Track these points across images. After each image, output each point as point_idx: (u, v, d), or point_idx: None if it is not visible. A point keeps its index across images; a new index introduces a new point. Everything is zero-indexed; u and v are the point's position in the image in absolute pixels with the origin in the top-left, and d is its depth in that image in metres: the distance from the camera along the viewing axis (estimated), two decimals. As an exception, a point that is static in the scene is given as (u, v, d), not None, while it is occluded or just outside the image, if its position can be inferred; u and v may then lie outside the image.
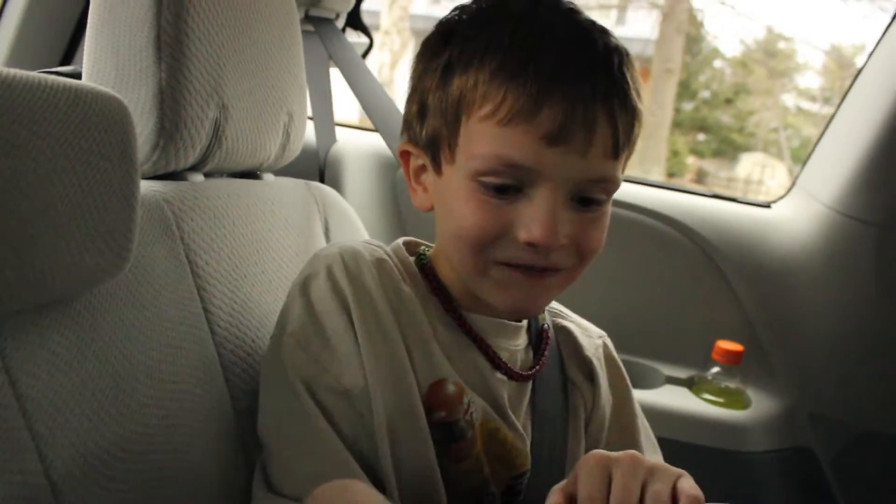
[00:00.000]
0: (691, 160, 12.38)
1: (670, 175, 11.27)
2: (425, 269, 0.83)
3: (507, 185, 0.72)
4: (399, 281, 0.80)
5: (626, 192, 1.73)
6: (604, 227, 0.77)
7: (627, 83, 0.73)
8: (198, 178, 0.91)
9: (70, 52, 1.38)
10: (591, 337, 0.95)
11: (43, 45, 1.35)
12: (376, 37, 1.88)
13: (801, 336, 1.64)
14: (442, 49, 0.76)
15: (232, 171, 1.00)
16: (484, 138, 0.71)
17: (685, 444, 1.51)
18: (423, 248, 0.87)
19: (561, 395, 0.88)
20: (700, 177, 12.07)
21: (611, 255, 1.72)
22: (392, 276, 0.80)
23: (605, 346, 0.96)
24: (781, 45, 11.84)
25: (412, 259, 0.84)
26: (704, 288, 1.70)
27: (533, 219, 0.71)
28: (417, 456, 0.75)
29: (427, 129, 0.78)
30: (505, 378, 0.83)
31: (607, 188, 0.74)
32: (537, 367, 0.86)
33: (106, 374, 0.65)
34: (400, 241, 0.87)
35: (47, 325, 0.62)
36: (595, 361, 0.91)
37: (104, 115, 0.62)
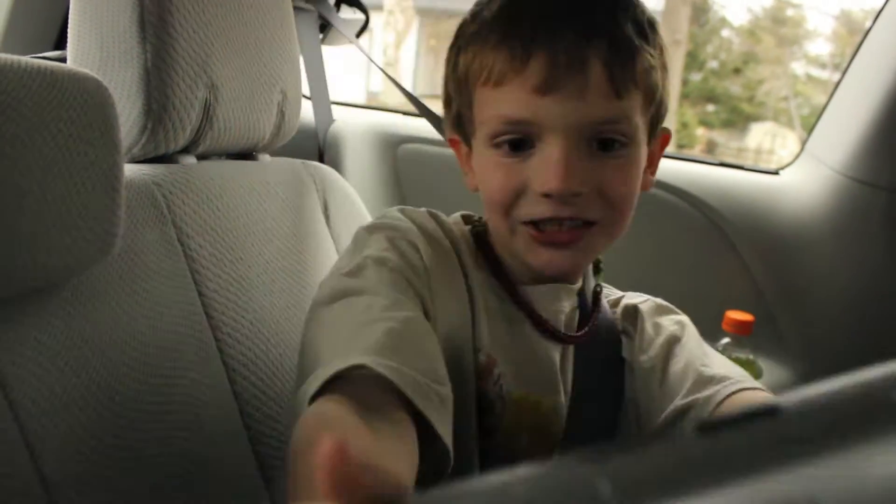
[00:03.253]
0: (701, 131, 12.31)
1: (680, 147, 11.23)
2: (479, 240, 0.84)
3: (516, 141, 0.73)
4: (463, 250, 0.82)
5: (631, 163, 1.71)
6: (629, 173, 0.76)
7: (618, 23, 0.73)
8: (190, 160, 0.90)
9: (63, 37, 1.36)
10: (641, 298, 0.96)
11: (34, 31, 1.34)
12: (380, 17, 1.85)
13: (812, 304, 1.62)
14: (454, 43, 0.81)
15: (226, 152, 0.98)
16: (486, 103, 0.75)
17: (697, 416, 1.49)
18: (476, 219, 0.88)
19: (606, 363, 0.87)
20: (710, 148, 12.01)
21: (617, 228, 1.71)
22: (458, 244, 0.82)
23: (651, 302, 0.95)
24: (790, 12, 11.73)
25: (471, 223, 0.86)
26: (713, 258, 1.67)
27: (545, 168, 0.72)
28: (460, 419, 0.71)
29: (453, 112, 0.83)
30: (557, 344, 0.83)
31: (621, 129, 0.74)
32: (585, 331, 0.85)
33: (96, 362, 0.64)
34: (457, 214, 0.88)
35: (33, 314, 0.60)
36: (643, 313, 0.91)
37: (82, 96, 0.60)
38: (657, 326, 0.91)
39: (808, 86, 11.63)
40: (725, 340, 1.59)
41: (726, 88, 12.27)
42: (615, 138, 0.74)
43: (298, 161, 1.14)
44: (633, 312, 0.92)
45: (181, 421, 0.73)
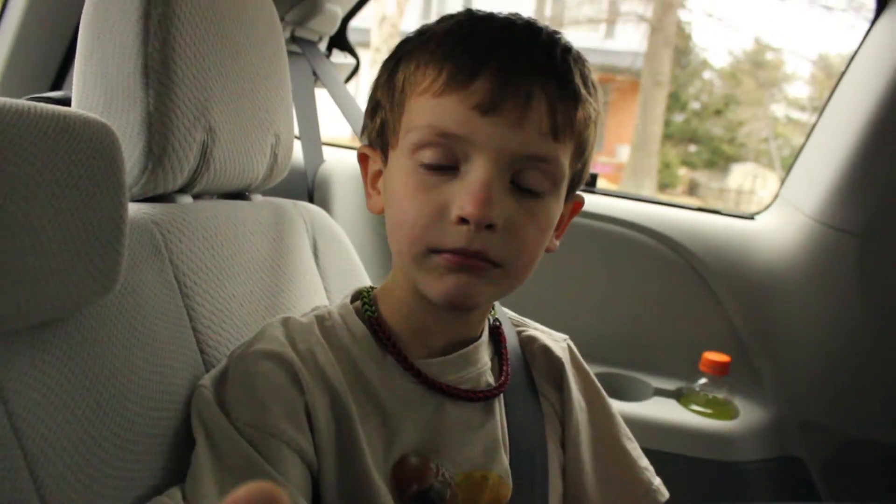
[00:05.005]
0: (683, 171, 12.46)
1: (662, 187, 11.34)
2: (373, 321, 0.82)
3: (440, 159, 0.72)
4: (349, 345, 0.80)
5: (611, 206, 1.76)
6: (543, 221, 0.76)
7: (569, 68, 0.74)
8: (186, 199, 0.93)
9: (60, 76, 1.40)
10: (556, 340, 0.95)
11: (34, 70, 1.37)
12: (366, 54, 1.91)
13: (787, 346, 1.66)
14: (393, 54, 0.80)
15: (220, 192, 1.01)
16: (421, 111, 0.73)
17: (675, 455, 1.52)
18: (365, 294, 0.86)
19: (534, 403, 0.88)
20: (692, 188, 12.14)
21: (598, 269, 1.76)
22: (342, 342, 0.80)
23: (569, 348, 0.95)
24: (769, 55, 11.95)
25: (361, 309, 0.84)
26: (691, 300, 1.72)
27: (466, 191, 0.70)
28: None
29: (377, 122, 0.81)
30: (485, 404, 0.83)
31: (548, 171, 0.74)
32: (503, 379, 0.85)
33: (96, 393, 0.67)
34: (347, 297, 0.87)
35: (38, 346, 0.63)
36: (564, 363, 0.92)
37: (92, 141, 0.64)
38: (577, 382, 0.92)
39: (789, 127, 11.81)
40: (703, 381, 1.62)
41: (708, 129, 12.44)
42: (538, 184, 0.74)
43: (289, 201, 1.17)
44: (558, 366, 0.91)
45: (175, 452, 0.75)
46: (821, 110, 1.70)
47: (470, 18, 0.76)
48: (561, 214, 0.81)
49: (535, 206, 0.74)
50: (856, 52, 1.61)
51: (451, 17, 0.78)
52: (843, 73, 1.64)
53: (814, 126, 1.71)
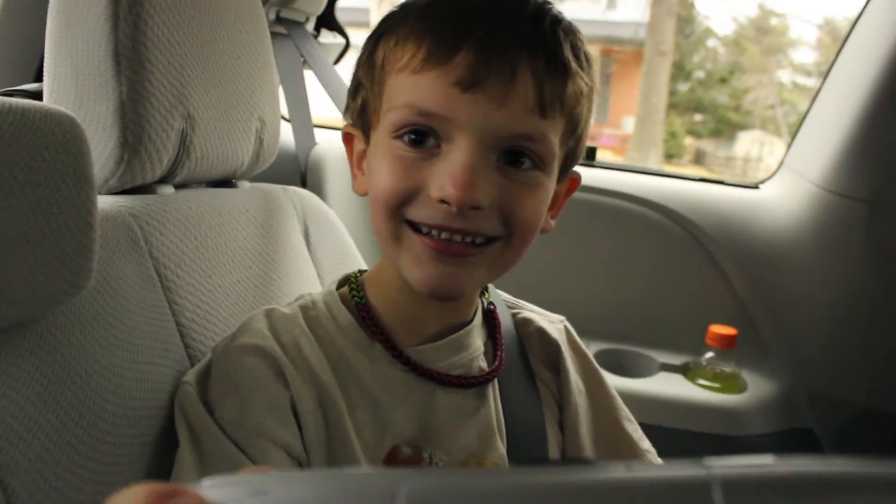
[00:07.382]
0: (689, 141, 12.40)
1: (668, 157, 11.28)
2: (360, 307, 0.79)
3: (422, 135, 0.68)
4: (335, 335, 0.77)
5: (612, 179, 1.73)
6: (537, 197, 0.72)
7: (559, 41, 0.69)
8: (168, 190, 0.90)
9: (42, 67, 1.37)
10: (552, 322, 0.92)
11: (16, 62, 1.34)
12: (366, 33, 1.90)
13: (794, 316, 1.63)
14: (375, 31, 0.76)
15: (205, 180, 0.99)
16: (399, 89, 0.70)
17: (682, 431, 1.50)
18: (353, 279, 0.82)
19: (530, 387, 0.85)
20: (698, 157, 12.08)
21: (600, 244, 1.73)
22: (327, 332, 0.77)
23: (566, 329, 0.93)
24: (774, 21, 11.84)
25: (348, 295, 0.81)
26: (696, 273, 1.69)
27: (446, 173, 0.66)
28: None
29: (358, 102, 0.77)
30: (478, 389, 0.80)
31: (536, 149, 0.69)
32: (496, 363, 0.82)
33: (72, 395, 0.64)
34: (333, 283, 0.83)
35: (8, 350, 0.60)
36: (561, 345, 0.89)
37: (55, 134, 0.61)
38: (575, 364, 0.89)
39: (795, 94, 11.73)
40: (709, 355, 1.60)
41: (713, 98, 12.36)
42: (528, 154, 0.70)
43: (278, 186, 1.14)
44: (555, 348, 0.89)
45: (159, 452, 0.73)
46: (825, 76, 1.66)
47: None
48: (556, 192, 0.77)
49: (527, 181, 0.70)
50: (859, 16, 1.57)
51: None
52: (847, 38, 1.60)
53: (817, 92, 1.67)
